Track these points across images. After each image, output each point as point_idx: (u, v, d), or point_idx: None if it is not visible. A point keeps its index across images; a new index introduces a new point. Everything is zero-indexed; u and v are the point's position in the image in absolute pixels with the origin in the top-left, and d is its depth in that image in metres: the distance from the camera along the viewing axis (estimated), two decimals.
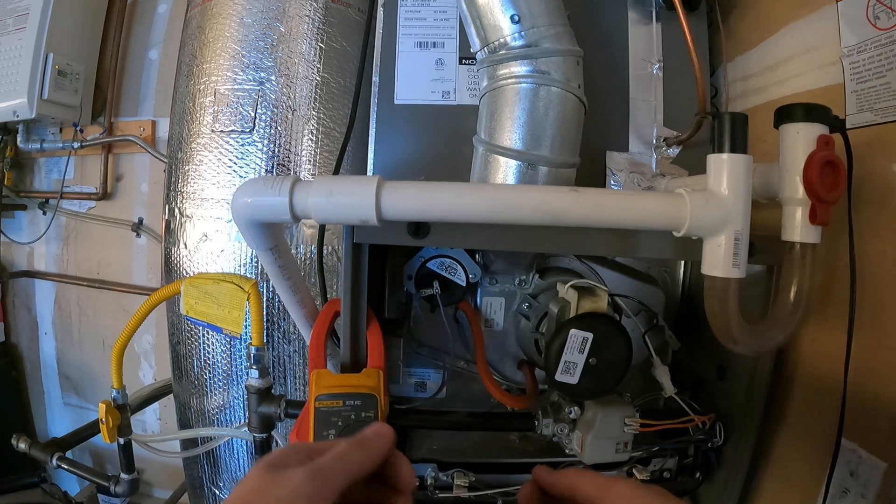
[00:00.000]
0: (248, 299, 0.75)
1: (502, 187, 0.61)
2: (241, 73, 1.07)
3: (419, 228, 0.60)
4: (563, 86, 0.65)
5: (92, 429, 1.33)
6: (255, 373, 0.75)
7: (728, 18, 0.96)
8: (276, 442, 0.93)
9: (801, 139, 0.57)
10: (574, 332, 0.63)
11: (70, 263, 1.98)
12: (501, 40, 0.66)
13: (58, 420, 2.15)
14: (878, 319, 0.64)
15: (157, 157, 1.73)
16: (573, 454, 0.71)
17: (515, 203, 0.53)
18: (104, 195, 1.86)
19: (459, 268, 0.72)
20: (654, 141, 0.83)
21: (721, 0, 0.94)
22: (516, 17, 0.65)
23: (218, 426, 1.12)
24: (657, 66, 0.85)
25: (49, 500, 1.41)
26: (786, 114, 0.58)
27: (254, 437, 0.81)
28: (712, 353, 0.83)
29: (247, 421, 0.96)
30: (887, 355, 0.63)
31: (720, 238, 0.54)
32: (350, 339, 0.63)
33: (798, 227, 0.57)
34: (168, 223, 1.21)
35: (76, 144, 1.75)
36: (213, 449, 1.15)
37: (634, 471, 0.78)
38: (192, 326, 1.16)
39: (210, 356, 1.12)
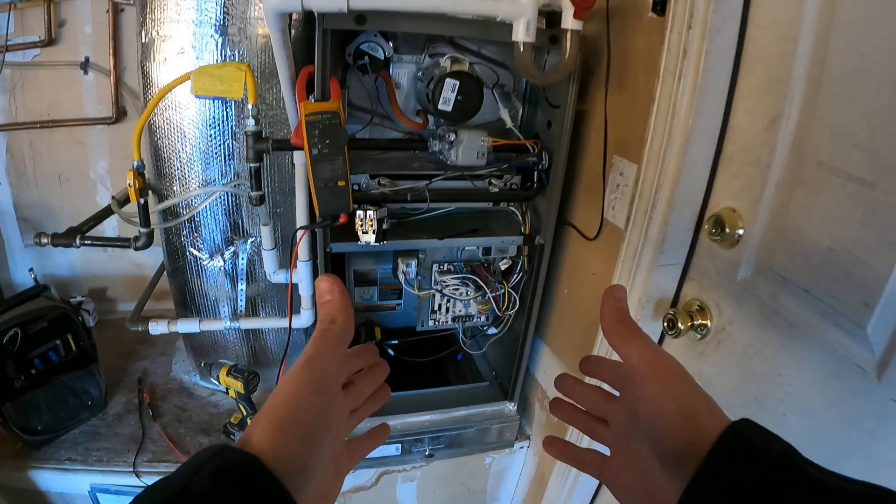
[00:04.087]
0: (245, 74, 1.33)
1: None
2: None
3: (360, 18, 1.19)
4: None
5: (95, 219, 1.86)
6: (251, 121, 1.35)
7: None
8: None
9: None
10: (448, 80, 1.27)
11: (19, 111, 2.38)
12: None
13: (20, 264, 2.61)
14: (626, 80, 1.32)
15: None
16: (451, 162, 1.38)
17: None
18: (49, 41, 2.27)
19: (380, 48, 1.34)
20: None
21: None
22: None
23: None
24: None
25: (53, 302, 1.93)
26: None
27: (249, 167, 1.41)
28: (543, 112, 1.50)
29: (228, 181, 1.58)
30: (629, 98, 1.31)
31: (521, 20, 1.17)
32: (321, 83, 1.23)
33: (570, 20, 1.20)
34: (146, 44, 1.71)
35: None
36: (193, 216, 1.74)
37: (492, 180, 1.47)
38: (173, 123, 1.70)
39: (189, 139, 1.67)
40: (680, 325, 1.17)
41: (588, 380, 0.61)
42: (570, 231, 1.56)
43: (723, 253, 1.12)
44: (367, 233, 1.35)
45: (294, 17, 1.47)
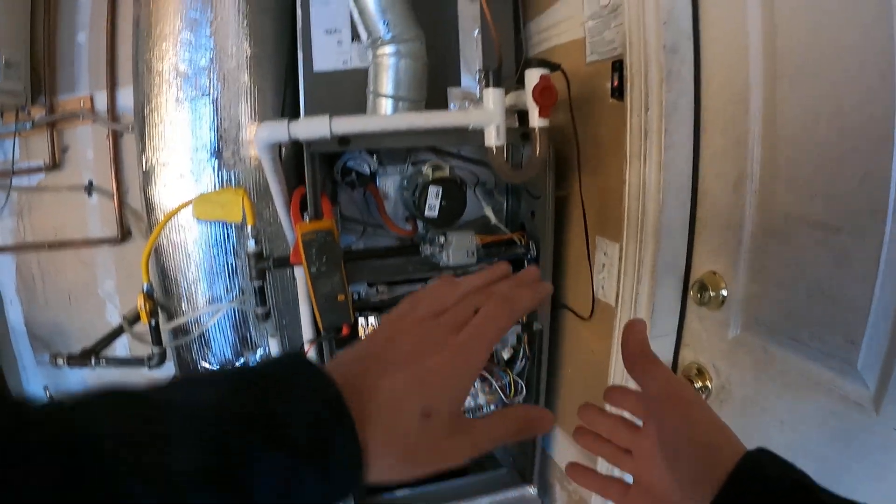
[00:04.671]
0: (242, 198, 1.44)
1: (384, 116, 1.34)
2: (195, 54, 1.71)
3: (343, 140, 1.29)
4: (413, 57, 1.36)
5: (107, 339, 1.95)
6: (252, 242, 1.44)
7: None
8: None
9: (533, 75, 1.30)
10: (432, 187, 1.36)
11: (27, 233, 2.51)
12: (379, 35, 1.36)
13: (32, 381, 2.69)
14: (598, 164, 1.41)
15: (104, 126, 2.33)
16: (443, 264, 1.46)
17: (391, 121, 1.25)
18: (53, 166, 2.41)
19: (365, 164, 1.45)
20: (476, 78, 1.57)
21: None
22: (387, 23, 1.35)
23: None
24: (477, 30, 1.59)
25: None
26: (527, 63, 1.31)
27: (253, 286, 1.50)
28: (526, 203, 1.59)
29: (234, 297, 1.67)
30: (603, 181, 1.41)
31: (492, 126, 1.27)
32: (313, 204, 1.33)
33: (536, 119, 1.31)
34: (147, 172, 1.83)
35: (28, 125, 2.31)
36: (203, 332, 1.83)
37: None
38: (177, 244, 1.80)
39: (193, 259, 1.77)
40: None
41: (611, 409, 0.62)
42: (567, 312, 1.63)
43: (711, 315, 1.18)
44: None
45: None
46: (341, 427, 0.35)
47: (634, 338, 0.54)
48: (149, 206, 1.85)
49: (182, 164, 1.75)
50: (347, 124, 1.21)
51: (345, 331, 1.36)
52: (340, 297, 1.28)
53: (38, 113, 2.38)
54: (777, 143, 0.98)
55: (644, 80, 1.19)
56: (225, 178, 1.73)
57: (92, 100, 2.39)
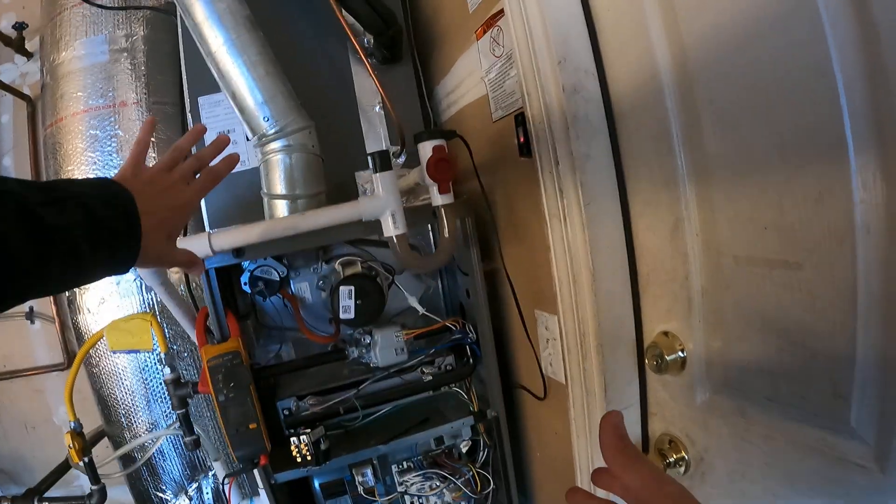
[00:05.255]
0: (151, 324, 1.35)
1: (275, 220, 1.25)
2: (102, 172, 1.66)
3: (238, 252, 1.21)
4: (303, 150, 1.28)
5: (54, 476, 1.86)
6: (168, 369, 1.34)
7: (430, 59, 1.63)
8: (200, 436, 1.52)
9: (425, 149, 1.19)
10: (342, 288, 1.27)
11: None
12: (263, 131, 1.29)
13: None
14: (521, 229, 1.32)
15: None
16: (374, 364, 1.36)
17: (277, 226, 1.16)
18: None
19: (273, 270, 1.35)
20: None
21: (419, 47, 1.61)
22: (268, 118, 1.28)
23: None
24: (378, 105, 1.51)
25: None
26: (417, 137, 1.21)
27: (177, 414, 1.40)
28: (462, 280, 1.49)
29: (172, 422, 1.56)
30: (529, 248, 1.30)
31: (386, 215, 1.17)
32: (218, 324, 1.23)
33: (437, 196, 1.21)
34: (70, 300, 1.77)
35: None
36: (149, 459, 1.73)
37: (423, 369, 1.44)
38: (109, 372, 1.73)
39: (127, 385, 1.70)
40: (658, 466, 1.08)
41: (599, 493, 0.61)
42: (525, 394, 1.51)
43: (674, 380, 1.04)
44: (306, 458, 1.31)
45: None
46: (134, 227, 0.63)
47: (612, 432, 0.56)
48: (78, 335, 1.78)
49: (102, 288, 1.68)
50: (227, 239, 1.13)
51: (262, 460, 1.25)
52: (252, 426, 1.18)
53: None
54: (709, 177, 0.86)
55: (549, 131, 1.08)
56: (146, 298, 1.65)
57: None
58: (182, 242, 1.12)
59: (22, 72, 2.34)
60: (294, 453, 1.31)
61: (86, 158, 1.66)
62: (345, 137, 1.46)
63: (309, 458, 1.31)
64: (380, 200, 1.15)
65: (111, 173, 1.65)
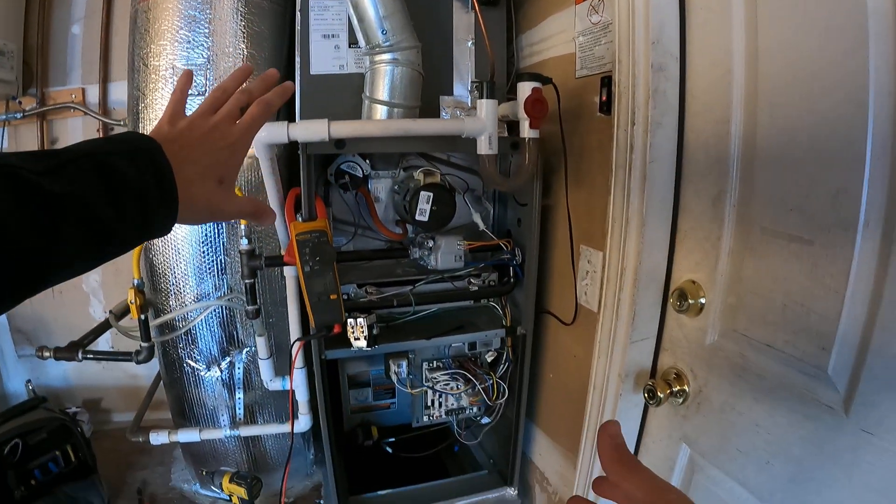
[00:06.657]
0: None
1: (390, 121, 1.43)
2: (192, 52, 1.79)
3: (339, 143, 1.38)
4: (409, 65, 1.46)
5: (95, 333, 2.01)
6: (244, 240, 1.52)
7: (520, 9, 1.80)
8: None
9: (525, 88, 1.38)
10: (423, 193, 1.45)
11: None
12: (377, 42, 1.45)
13: (13, 374, 2.75)
14: (584, 175, 1.51)
15: (95, 118, 2.39)
16: (431, 267, 1.55)
17: (389, 127, 1.34)
18: None
19: (358, 167, 1.53)
20: (469, 87, 1.66)
21: None
22: (385, 31, 1.44)
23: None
24: (471, 41, 1.68)
25: (52, 414, 2.07)
26: (519, 76, 1.40)
27: (244, 283, 1.57)
28: (514, 210, 1.69)
29: (222, 294, 1.74)
30: (589, 191, 1.50)
31: (484, 135, 1.36)
32: (308, 205, 1.41)
33: (527, 130, 1.40)
34: None
35: (18, 115, 2.37)
36: (189, 329, 1.90)
37: (471, 279, 1.64)
38: (166, 239, 1.87)
39: (183, 256, 1.85)
40: (660, 393, 1.29)
41: (601, 502, 0.64)
42: (550, 318, 1.72)
43: (690, 322, 1.27)
44: (358, 339, 1.50)
45: None
46: (166, 180, 0.56)
47: (610, 442, 0.57)
48: None
49: None
50: (346, 129, 1.29)
51: (336, 329, 1.44)
52: (333, 297, 1.36)
53: (28, 103, 2.44)
54: (755, 162, 1.07)
55: (632, 97, 1.28)
56: None
57: (84, 92, 2.46)
58: (301, 125, 1.29)
59: None
60: (349, 333, 1.50)
61: (180, 36, 1.78)
62: (437, 63, 1.62)
63: (363, 339, 1.50)
64: (481, 122, 1.34)
65: (203, 54, 1.81)
